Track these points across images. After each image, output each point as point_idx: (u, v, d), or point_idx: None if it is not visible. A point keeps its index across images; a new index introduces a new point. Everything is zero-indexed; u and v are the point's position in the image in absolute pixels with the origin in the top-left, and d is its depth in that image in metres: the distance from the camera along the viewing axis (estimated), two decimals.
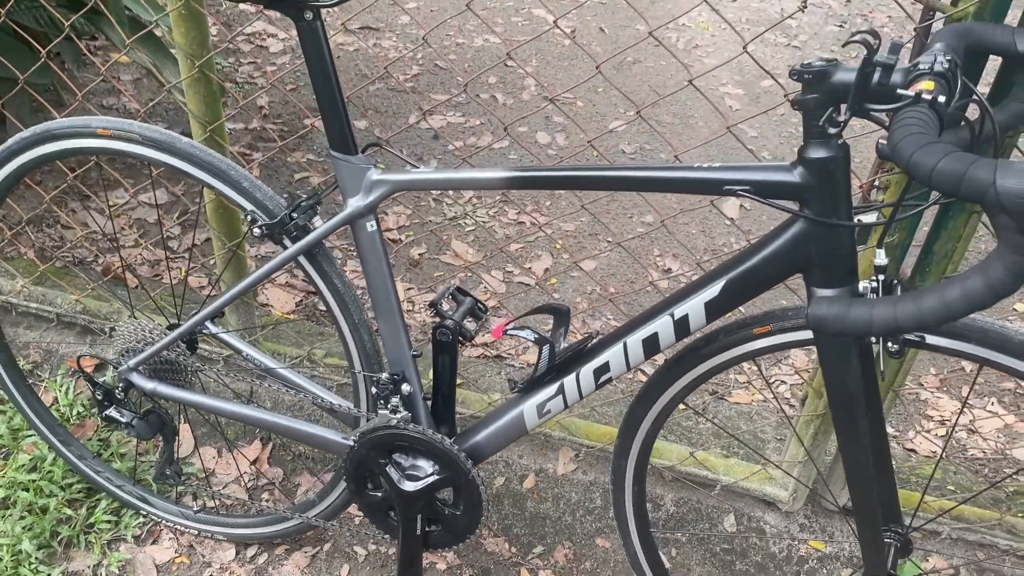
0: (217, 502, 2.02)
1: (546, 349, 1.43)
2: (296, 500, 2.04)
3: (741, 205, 3.20)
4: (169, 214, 2.89)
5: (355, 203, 1.44)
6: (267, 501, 2.04)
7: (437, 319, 1.60)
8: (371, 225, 1.47)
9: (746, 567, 1.92)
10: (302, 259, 1.54)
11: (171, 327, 1.71)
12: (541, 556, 1.94)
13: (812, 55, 4.57)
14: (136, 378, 1.67)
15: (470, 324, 1.64)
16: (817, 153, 1.12)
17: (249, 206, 1.52)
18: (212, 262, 2.69)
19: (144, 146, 1.51)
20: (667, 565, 1.78)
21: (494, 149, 3.46)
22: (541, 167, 1.33)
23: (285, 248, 1.51)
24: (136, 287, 2.50)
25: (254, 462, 2.11)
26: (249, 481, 2.07)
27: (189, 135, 1.70)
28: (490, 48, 4.20)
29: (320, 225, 1.50)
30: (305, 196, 1.51)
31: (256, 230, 1.51)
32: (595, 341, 1.43)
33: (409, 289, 2.73)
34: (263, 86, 3.70)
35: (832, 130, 1.09)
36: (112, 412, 1.71)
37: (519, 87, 3.89)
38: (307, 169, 3.28)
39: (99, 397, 1.70)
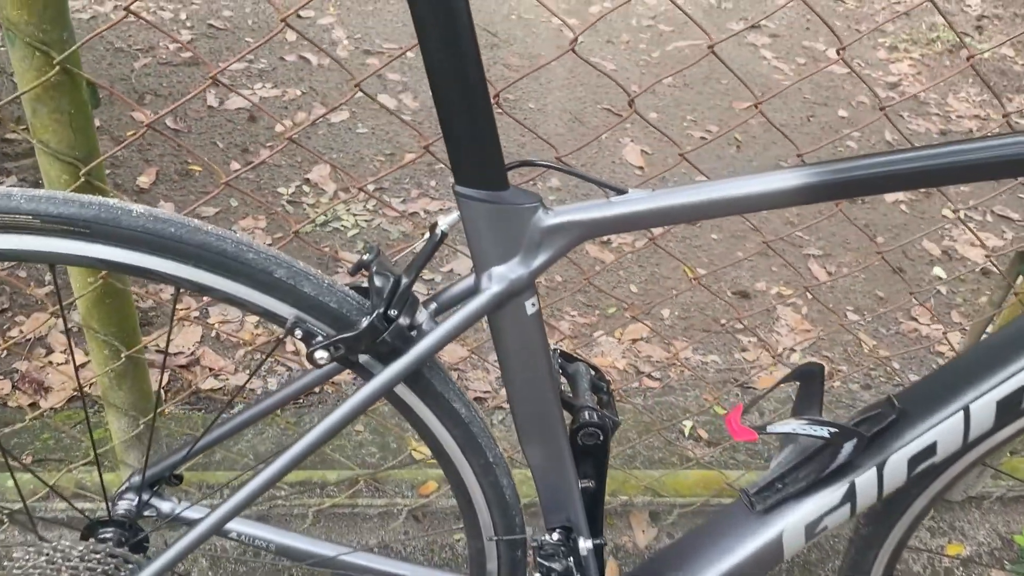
0: None
1: (850, 445, 0.92)
2: None
3: (643, 151, 2.80)
4: None
5: (508, 272, 0.83)
6: None
7: (567, 413, 1.05)
8: (532, 304, 0.86)
9: None
10: (401, 386, 0.88)
11: (94, 529, 0.99)
12: None
13: None
14: None
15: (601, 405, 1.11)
16: None
17: (292, 311, 0.82)
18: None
19: (52, 235, 0.76)
20: None
21: (333, 124, 2.73)
22: (855, 160, 0.80)
23: (366, 371, 0.86)
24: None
25: None
26: None
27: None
28: None
29: (430, 325, 0.86)
30: (387, 276, 0.84)
31: (321, 353, 0.82)
32: (899, 409, 0.95)
33: None
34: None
35: None
36: None
37: (329, 42, 3.14)
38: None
39: None
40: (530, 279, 0.82)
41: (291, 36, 3.15)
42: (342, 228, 2.34)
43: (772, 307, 2.28)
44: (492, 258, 0.82)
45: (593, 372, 1.15)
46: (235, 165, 2.51)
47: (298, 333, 0.82)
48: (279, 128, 2.66)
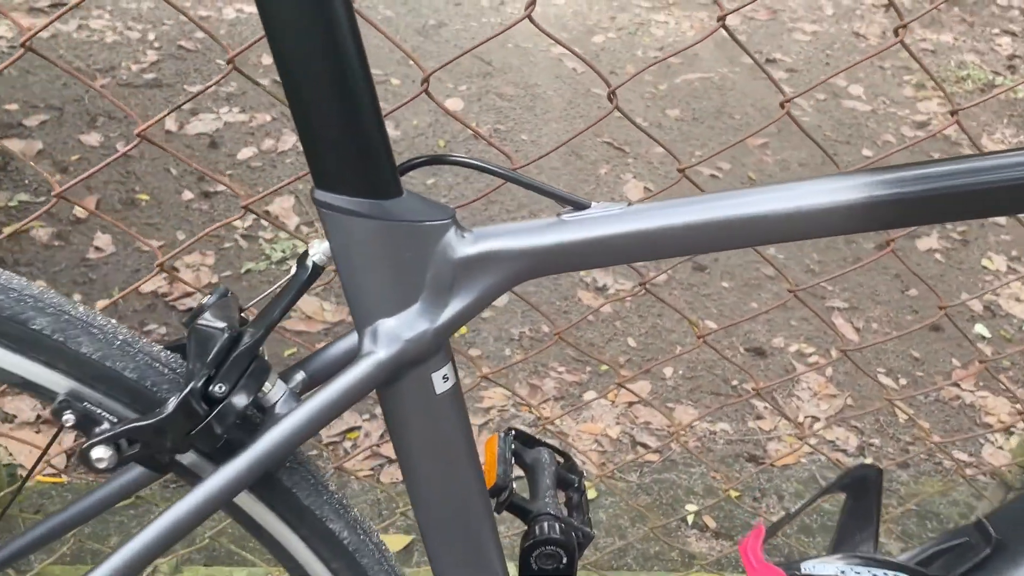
0: None
1: None
2: None
3: (646, 188, 2.52)
4: None
5: (402, 328, 0.54)
6: None
7: (520, 523, 0.77)
8: (444, 376, 0.57)
9: None
10: (246, 497, 0.59)
11: None
12: None
13: (630, 6, 4.06)
14: None
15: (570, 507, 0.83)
16: None
17: (64, 383, 0.53)
18: None
19: None
20: None
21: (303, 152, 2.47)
22: (951, 163, 0.51)
23: (191, 474, 0.57)
24: None
25: None
26: None
27: None
28: (247, 20, 3.14)
29: (288, 405, 0.57)
30: (218, 332, 0.56)
31: (101, 451, 0.53)
32: (996, 541, 0.64)
33: None
34: None
35: None
36: None
37: None
38: (21, 217, 2.09)
39: None
40: (437, 339, 0.53)
41: (267, 60, 2.91)
42: None
43: (791, 367, 1.98)
44: (377, 306, 0.53)
45: (561, 460, 0.86)
46: (188, 195, 2.25)
47: (68, 418, 0.53)
48: (241, 157, 2.39)
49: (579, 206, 0.53)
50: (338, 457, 1.63)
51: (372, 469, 1.62)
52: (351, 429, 1.70)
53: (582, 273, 2.18)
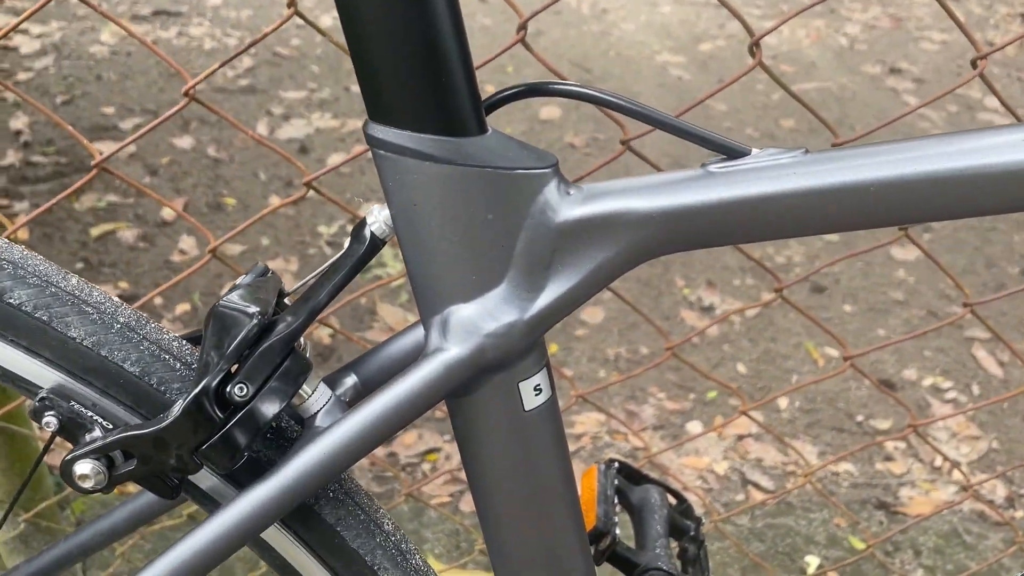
0: None
1: None
2: None
3: None
4: None
5: (482, 316, 0.38)
6: None
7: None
8: (537, 388, 0.42)
9: None
10: (277, 533, 0.45)
11: None
12: None
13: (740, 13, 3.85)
14: None
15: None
16: None
17: (52, 376, 0.41)
18: None
19: None
20: None
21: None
22: None
23: (209, 499, 0.43)
24: None
25: None
26: None
27: None
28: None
29: (332, 417, 0.43)
30: (244, 317, 0.42)
31: (86, 466, 0.40)
32: None
33: None
34: (15, 102, 2.42)
35: None
36: None
37: None
38: (108, 218, 2.07)
39: None
40: (529, 334, 0.39)
41: None
42: (386, 276, 1.96)
43: (924, 402, 1.75)
44: (448, 287, 0.39)
45: (674, 502, 0.71)
46: (274, 200, 2.19)
47: (50, 421, 0.41)
48: (330, 161, 2.33)
49: (735, 153, 0.38)
50: (416, 482, 1.50)
51: (451, 496, 1.49)
52: (430, 451, 1.57)
53: (686, 291, 2.01)
